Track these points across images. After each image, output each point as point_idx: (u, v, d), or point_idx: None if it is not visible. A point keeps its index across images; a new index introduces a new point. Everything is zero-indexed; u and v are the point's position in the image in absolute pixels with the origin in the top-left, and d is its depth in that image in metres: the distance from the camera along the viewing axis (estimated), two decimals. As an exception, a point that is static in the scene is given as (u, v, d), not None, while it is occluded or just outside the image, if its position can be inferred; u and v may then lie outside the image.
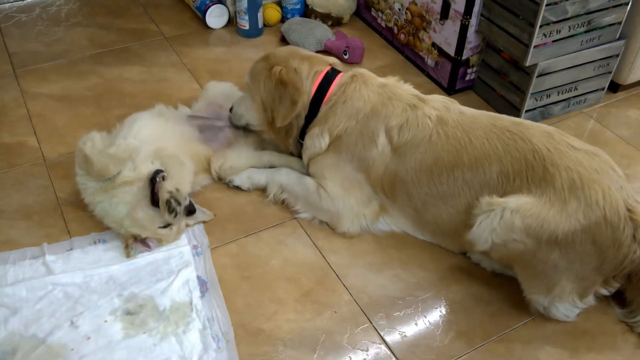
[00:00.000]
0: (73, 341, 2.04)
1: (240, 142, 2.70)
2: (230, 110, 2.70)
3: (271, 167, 2.69)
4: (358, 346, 2.12)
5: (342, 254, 2.43)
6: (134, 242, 2.33)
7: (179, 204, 2.26)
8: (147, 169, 2.35)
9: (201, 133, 2.65)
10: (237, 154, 2.66)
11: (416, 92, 2.48)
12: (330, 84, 2.47)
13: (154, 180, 2.29)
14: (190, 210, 2.34)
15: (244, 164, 2.66)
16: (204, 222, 2.50)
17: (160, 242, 2.36)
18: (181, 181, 2.34)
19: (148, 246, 2.35)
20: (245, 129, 2.71)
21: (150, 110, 2.66)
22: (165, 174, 2.31)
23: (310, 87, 2.46)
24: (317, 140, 2.49)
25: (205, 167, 2.62)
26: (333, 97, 2.45)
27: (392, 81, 2.52)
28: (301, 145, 2.59)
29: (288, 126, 2.53)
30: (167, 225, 2.33)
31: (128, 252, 2.32)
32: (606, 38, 3.02)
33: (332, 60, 2.58)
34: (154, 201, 2.29)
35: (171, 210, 2.25)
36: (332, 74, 2.50)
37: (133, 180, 2.31)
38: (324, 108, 2.47)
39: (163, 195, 2.26)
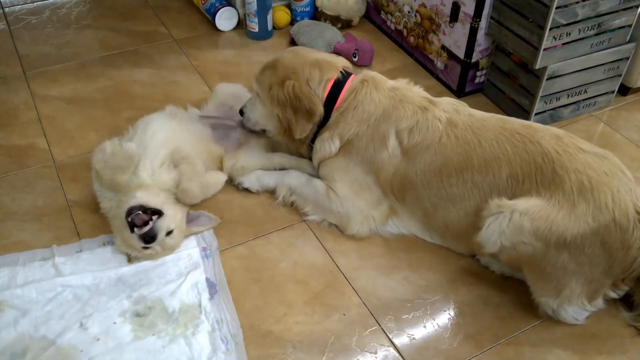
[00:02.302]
0: (82, 342, 2.05)
1: (252, 142, 2.71)
2: (241, 113, 2.69)
3: (282, 168, 2.70)
4: (367, 349, 2.12)
5: (351, 257, 2.43)
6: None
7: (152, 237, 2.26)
8: (167, 175, 2.38)
9: (213, 131, 2.66)
10: (248, 155, 2.66)
11: (426, 94, 2.48)
12: (341, 89, 2.46)
13: (130, 221, 2.25)
14: (149, 237, 2.26)
15: (255, 164, 2.66)
16: (211, 228, 2.49)
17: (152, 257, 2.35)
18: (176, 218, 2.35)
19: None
20: (259, 133, 2.71)
21: (161, 112, 2.67)
22: (140, 213, 2.25)
23: (322, 95, 2.46)
24: (328, 144, 2.49)
25: (219, 167, 2.63)
26: (344, 103, 2.45)
27: (402, 84, 2.52)
28: (312, 148, 2.60)
29: None
30: (148, 246, 2.29)
31: (129, 257, 2.33)
32: (616, 41, 3.01)
33: (342, 63, 2.56)
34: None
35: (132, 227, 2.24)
36: (342, 79, 2.48)
37: (150, 185, 2.32)
38: (335, 114, 2.47)
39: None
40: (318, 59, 2.51)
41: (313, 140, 2.57)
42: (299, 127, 2.48)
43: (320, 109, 2.45)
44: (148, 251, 2.30)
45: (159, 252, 2.32)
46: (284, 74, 2.45)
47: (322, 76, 2.46)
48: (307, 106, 2.42)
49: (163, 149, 2.40)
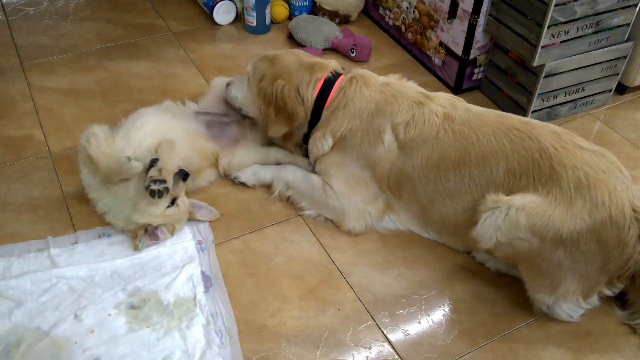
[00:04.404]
0: (77, 334, 2.04)
1: (248, 138, 2.71)
2: (227, 85, 2.71)
3: (277, 163, 2.70)
4: (361, 344, 2.12)
5: (347, 252, 2.43)
6: (143, 235, 2.33)
7: (162, 182, 2.24)
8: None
9: (208, 129, 2.65)
10: (244, 151, 2.67)
11: (421, 89, 2.48)
12: (330, 89, 2.48)
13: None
14: (185, 175, 2.34)
15: (252, 160, 2.67)
16: (209, 220, 2.50)
17: (172, 229, 2.36)
18: (166, 161, 2.31)
19: (157, 237, 2.34)
20: (238, 111, 2.72)
21: (157, 106, 2.67)
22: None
23: (311, 96, 2.48)
24: (320, 143, 2.50)
25: (212, 163, 2.63)
26: (334, 102, 2.46)
27: (394, 79, 2.52)
28: (306, 149, 2.61)
29: (287, 134, 2.57)
30: (172, 203, 2.32)
31: (136, 245, 2.32)
32: (614, 39, 3.01)
33: (333, 65, 2.57)
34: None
35: (153, 194, 2.22)
36: (332, 79, 2.50)
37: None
38: (326, 113, 2.48)
39: (145, 184, 2.25)
40: (312, 63, 2.53)
41: (305, 141, 2.59)
42: (275, 126, 2.51)
43: (300, 117, 2.48)
44: (170, 211, 2.31)
45: (179, 214, 2.35)
46: (279, 72, 2.47)
47: (311, 77, 2.48)
48: (290, 110, 2.45)
49: (148, 139, 2.38)
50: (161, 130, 2.47)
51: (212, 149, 2.62)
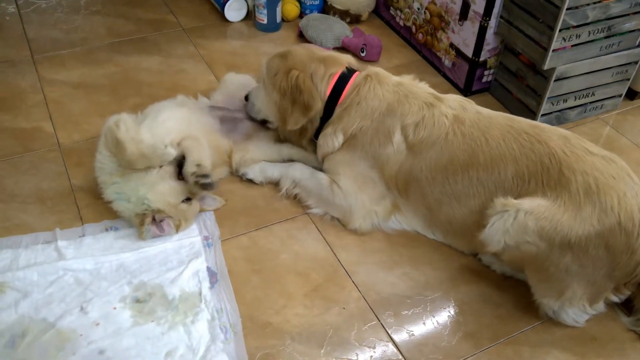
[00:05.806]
0: (82, 326, 2.05)
1: (260, 134, 2.72)
2: (246, 98, 2.72)
3: (289, 160, 2.70)
4: (365, 343, 2.12)
5: (353, 251, 2.43)
6: (150, 224, 2.33)
7: (206, 176, 2.30)
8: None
9: (222, 124, 2.66)
10: (257, 147, 2.67)
11: (432, 90, 2.48)
12: (345, 85, 2.47)
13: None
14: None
15: (263, 156, 2.67)
16: (216, 209, 2.52)
17: (178, 226, 2.38)
18: (200, 155, 2.36)
19: (162, 229, 2.35)
20: (262, 123, 2.72)
21: (172, 100, 2.67)
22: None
23: (325, 90, 2.47)
24: (330, 139, 2.49)
25: (225, 160, 2.63)
26: (347, 99, 2.46)
27: (407, 80, 2.52)
28: (314, 143, 2.61)
29: (302, 127, 2.55)
30: (188, 199, 2.36)
31: (142, 232, 2.32)
32: (626, 44, 3.00)
33: (348, 59, 2.57)
34: (180, 176, 2.35)
35: (204, 186, 2.30)
36: (347, 74, 2.49)
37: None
38: (338, 109, 2.48)
39: (189, 179, 2.30)
40: (325, 56, 2.52)
41: (317, 136, 2.58)
42: (293, 118, 2.49)
43: (317, 105, 2.47)
44: (183, 206, 2.35)
45: (189, 211, 2.39)
46: (291, 64, 2.47)
47: (326, 71, 2.47)
48: (306, 99, 2.44)
49: (172, 134, 2.39)
50: (184, 126, 2.48)
51: (225, 146, 2.63)
